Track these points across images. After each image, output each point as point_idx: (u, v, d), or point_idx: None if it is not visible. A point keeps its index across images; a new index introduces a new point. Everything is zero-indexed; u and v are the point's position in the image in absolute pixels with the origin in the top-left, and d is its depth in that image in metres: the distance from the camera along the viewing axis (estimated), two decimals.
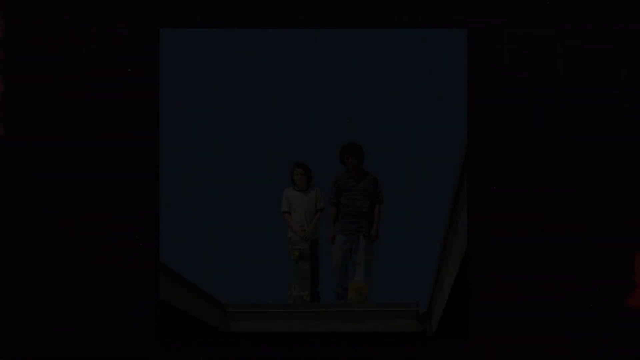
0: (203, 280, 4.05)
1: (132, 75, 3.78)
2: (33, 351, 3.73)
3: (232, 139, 4.13)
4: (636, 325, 3.69)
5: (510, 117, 3.75)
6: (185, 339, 3.78)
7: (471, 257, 3.71)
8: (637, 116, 3.73)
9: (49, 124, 3.77)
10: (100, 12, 3.78)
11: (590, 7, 3.75)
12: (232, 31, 3.85)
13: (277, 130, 4.15)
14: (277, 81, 4.11)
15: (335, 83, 4.09)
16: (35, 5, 3.78)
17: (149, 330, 3.74)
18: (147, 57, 3.78)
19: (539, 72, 3.75)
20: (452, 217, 3.98)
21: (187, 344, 3.77)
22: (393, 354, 3.78)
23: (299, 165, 4.55)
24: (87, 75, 3.78)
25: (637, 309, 3.69)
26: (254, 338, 3.85)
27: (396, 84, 4.07)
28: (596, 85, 3.74)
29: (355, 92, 4.10)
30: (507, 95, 3.75)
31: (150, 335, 3.74)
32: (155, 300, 3.74)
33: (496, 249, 3.72)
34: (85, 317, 3.73)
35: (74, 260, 3.73)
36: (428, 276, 4.26)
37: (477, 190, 3.74)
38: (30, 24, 3.78)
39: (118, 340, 3.73)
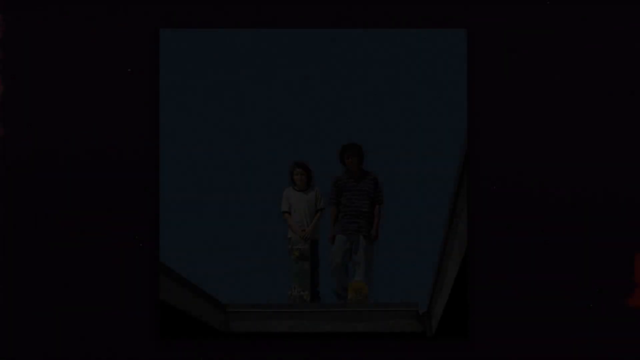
0: (203, 280, 4.05)
1: (132, 75, 3.78)
2: (33, 351, 3.73)
3: (232, 139, 4.14)
4: (636, 325, 3.69)
5: (510, 117, 3.75)
6: (185, 339, 3.78)
7: (471, 257, 3.71)
8: (638, 116, 3.73)
9: (49, 124, 3.77)
10: (100, 12, 3.78)
11: (590, 7, 3.75)
12: (232, 31, 3.85)
13: (277, 130, 4.16)
14: (277, 81, 4.11)
15: (335, 83, 4.10)
16: (35, 5, 3.78)
17: (149, 330, 3.74)
18: (147, 57, 3.78)
19: (539, 72, 3.75)
20: (452, 217, 3.98)
21: (187, 344, 3.77)
22: (393, 354, 3.78)
23: (299, 165, 4.55)
24: (87, 75, 3.78)
25: (637, 309, 3.69)
26: (254, 338, 3.84)
27: (396, 84, 4.08)
28: (596, 85, 3.74)
29: (355, 92, 4.10)
30: (507, 95, 3.75)
31: (150, 335, 3.74)
32: (155, 300, 3.74)
33: (496, 249, 3.72)
34: (85, 317, 3.73)
35: (74, 260, 3.73)
36: (428, 276, 4.26)
37: (477, 190, 3.74)
38: (30, 24, 3.78)
39: (118, 340, 3.73)
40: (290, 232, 4.62)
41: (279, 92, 4.12)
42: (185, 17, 3.80)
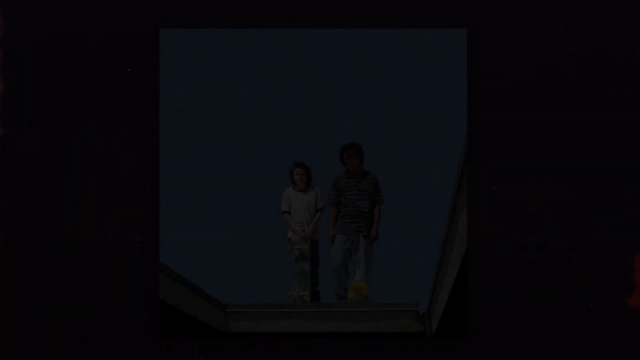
0: (203, 280, 4.05)
1: (132, 75, 3.78)
2: (33, 351, 3.73)
3: (232, 139, 4.14)
4: (636, 325, 3.69)
5: (510, 117, 3.75)
6: (185, 339, 3.78)
7: (471, 257, 3.71)
8: (638, 116, 3.73)
9: (49, 124, 3.77)
10: (100, 12, 3.78)
11: (590, 7, 3.75)
12: (232, 31, 3.85)
13: (277, 130, 4.16)
14: (277, 81, 4.11)
15: (335, 83, 4.10)
16: (35, 5, 3.78)
17: (149, 330, 3.74)
18: (147, 57, 3.78)
19: (539, 72, 3.75)
20: (452, 217, 3.98)
21: (187, 344, 3.77)
22: (393, 354, 3.78)
23: (299, 165, 4.55)
24: (87, 75, 3.78)
25: (637, 309, 3.69)
26: (254, 338, 3.84)
27: (396, 84, 4.07)
28: (596, 85, 3.74)
29: (355, 92, 4.10)
30: (507, 95, 3.75)
31: (150, 335, 3.74)
32: (155, 300, 3.74)
33: (496, 248, 3.72)
34: (85, 317, 3.73)
35: (74, 260, 3.73)
36: (428, 276, 4.26)
37: (477, 190, 3.74)
38: (30, 24, 3.78)
39: (118, 340, 3.73)
40: (290, 232, 4.62)
41: (279, 92, 4.11)
42: (185, 17, 3.80)
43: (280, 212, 4.59)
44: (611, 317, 3.69)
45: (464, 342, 3.73)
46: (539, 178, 3.73)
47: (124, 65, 3.78)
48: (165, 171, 3.80)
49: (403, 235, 4.21)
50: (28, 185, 3.75)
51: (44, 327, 3.73)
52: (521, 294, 3.71)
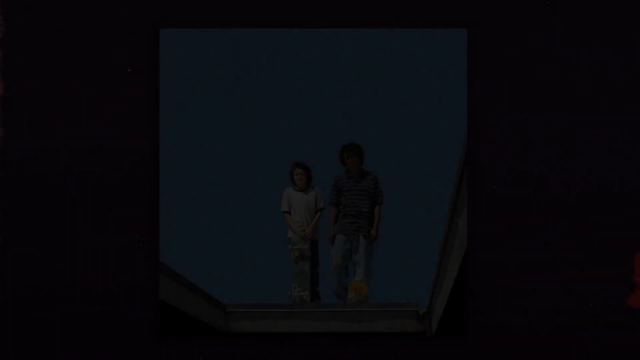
0: (203, 280, 4.05)
1: (132, 75, 3.78)
2: (33, 351, 3.73)
3: (232, 139, 4.14)
4: (636, 325, 3.69)
5: (510, 117, 3.75)
6: (185, 339, 3.78)
7: (471, 257, 3.71)
8: (638, 116, 3.73)
9: (49, 124, 3.77)
10: (101, 12, 3.78)
11: (590, 7, 3.75)
12: (232, 31, 3.85)
13: (277, 130, 4.16)
14: (277, 81, 4.11)
15: (335, 83, 4.10)
16: (35, 5, 3.78)
17: (149, 330, 3.74)
18: (147, 57, 3.78)
19: (538, 72, 3.75)
20: (452, 217, 3.98)
21: (187, 344, 3.77)
22: (393, 354, 3.78)
23: (299, 165, 4.55)
24: (87, 75, 3.78)
25: (637, 309, 3.69)
26: (254, 338, 3.84)
27: (396, 84, 4.07)
28: (596, 85, 3.74)
29: (356, 92, 4.10)
30: (507, 95, 3.75)
31: (150, 335, 3.74)
32: (155, 300, 3.74)
33: (496, 248, 3.72)
34: (86, 317, 3.73)
35: (74, 260, 3.73)
36: (428, 276, 4.26)
37: (477, 190, 3.74)
38: (30, 24, 3.78)
39: (118, 340, 3.73)
40: (290, 232, 4.62)
41: (279, 92, 4.12)
42: (185, 17, 3.80)
43: (280, 212, 4.59)
44: (611, 317, 3.69)
45: (464, 342, 3.73)
46: (539, 178, 3.73)
47: (124, 65, 3.78)
48: (165, 171, 3.80)
49: (403, 235, 4.21)
50: (28, 186, 3.75)
51: (44, 327, 3.73)
52: (521, 294, 3.71)
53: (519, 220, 3.72)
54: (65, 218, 3.74)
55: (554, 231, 3.71)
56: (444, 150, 4.00)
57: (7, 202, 3.74)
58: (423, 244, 4.14)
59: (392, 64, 4.04)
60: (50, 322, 3.73)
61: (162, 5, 3.79)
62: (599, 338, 3.69)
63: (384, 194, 4.53)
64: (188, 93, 4.02)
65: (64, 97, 3.77)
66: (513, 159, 3.74)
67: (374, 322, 4.09)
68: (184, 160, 4.01)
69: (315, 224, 4.62)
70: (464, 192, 3.79)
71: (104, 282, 3.73)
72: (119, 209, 3.75)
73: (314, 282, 4.61)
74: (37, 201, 3.74)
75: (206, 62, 4.04)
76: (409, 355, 3.77)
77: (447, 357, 3.75)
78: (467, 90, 3.76)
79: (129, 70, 3.78)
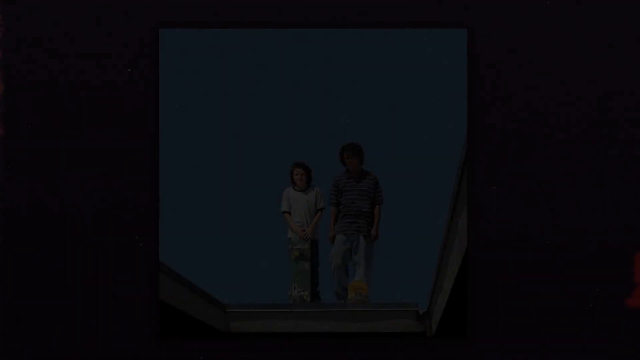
0: (203, 280, 4.05)
1: (132, 75, 3.78)
2: (33, 351, 3.73)
3: (232, 139, 4.14)
4: (636, 325, 3.69)
5: (510, 117, 3.75)
6: (185, 339, 3.78)
7: (471, 257, 3.71)
8: (638, 116, 3.73)
9: (49, 124, 3.77)
10: (101, 12, 3.78)
11: (590, 7, 3.74)
12: (232, 31, 3.85)
13: (277, 130, 4.16)
14: (277, 81, 4.11)
15: (335, 83, 4.10)
16: (35, 5, 3.78)
17: (149, 330, 3.74)
18: (147, 57, 3.78)
19: (538, 72, 3.75)
20: (452, 217, 3.98)
21: (187, 344, 3.77)
22: (393, 354, 3.77)
23: (299, 165, 4.55)
24: (87, 75, 3.78)
25: (637, 309, 3.69)
26: (254, 338, 3.84)
27: (396, 84, 4.07)
28: (596, 85, 3.74)
29: (356, 92, 4.10)
30: (507, 95, 3.75)
31: (150, 335, 3.74)
32: (155, 300, 3.74)
33: (496, 248, 3.72)
34: (86, 317, 3.73)
35: (74, 260, 3.73)
36: (428, 276, 4.26)
37: (477, 190, 3.74)
38: (30, 24, 3.78)
39: (118, 340, 3.73)
40: (290, 232, 4.62)
41: (279, 92, 4.11)
42: (185, 17, 3.80)
43: (280, 212, 4.59)
44: (611, 317, 3.69)
45: (463, 342, 3.73)
46: (539, 178, 3.73)
47: (124, 65, 3.78)
48: (165, 171, 3.80)
49: (403, 235, 4.21)
50: (28, 186, 3.75)
51: (44, 327, 3.73)
52: (521, 294, 3.71)
53: (519, 220, 3.72)
54: (65, 218, 3.73)
55: (554, 231, 3.71)
56: (444, 150, 4.00)
57: (7, 202, 3.74)
58: (423, 244, 4.14)
59: (392, 64, 4.04)
60: (50, 322, 3.73)
61: (162, 5, 3.79)
62: (599, 338, 3.69)
63: (384, 194, 4.53)
64: (188, 93, 4.02)
65: (64, 97, 3.77)
66: (513, 159, 3.74)
67: (374, 322, 4.09)
68: (184, 160, 4.01)
69: (315, 224, 4.62)
70: (464, 192, 3.79)
71: (104, 282, 3.73)
72: (119, 209, 3.75)
73: (314, 282, 4.61)
74: (37, 201, 3.74)
75: (206, 62, 4.04)
76: (409, 355, 3.77)
77: (447, 357, 3.75)
78: (467, 90, 3.76)
79: (129, 70, 3.78)
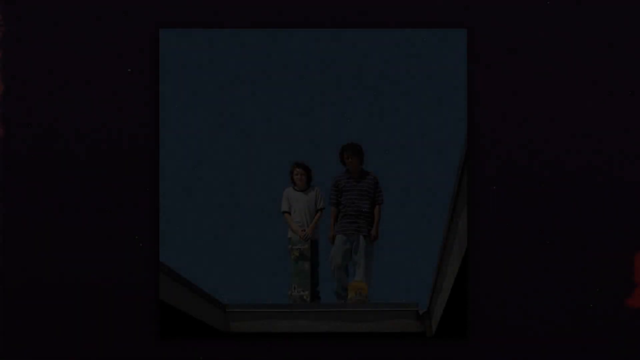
0: (203, 280, 4.05)
1: (132, 75, 3.78)
2: (33, 351, 3.73)
3: (232, 139, 4.13)
4: (636, 325, 3.69)
5: (510, 116, 3.75)
6: (185, 339, 3.78)
7: (471, 256, 3.71)
8: (638, 116, 3.73)
9: (49, 124, 3.77)
10: (101, 12, 3.78)
11: (590, 7, 3.75)
12: (232, 31, 3.85)
13: (277, 130, 4.15)
14: (277, 81, 4.10)
15: (335, 83, 4.09)
16: (35, 5, 3.78)
17: (149, 330, 3.74)
18: (147, 57, 3.78)
19: (539, 72, 3.75)
20: (452, 217, 3.98)
21: (187, 344, 3.77)
22: (393, 354, 3.77)
23: (299, 165, 4.55)
24: (87, 75, 3.78)
25: (637, 308, 3.69)
26: (254, 338, 3.84)
27: (396, 84, 4.07)
28: (596, 85, 3.74)
29: (356, 92, 4.10)
30: (507, 95, 3.75)
31: (150, 335, 3.74)
32: (155, 300, 3.74)
33: (496, 249, 3.72)
34: (86, 317, 3.73)
35: (74, 260, 3.73)
36: (428, 276, 4.26)
37: (477, 190, 3.74)
38: (30, 24, 3.78)
39: (118, 340, 3.73)
40: (290, 232, 4.62)
41: (279, 92, 4.11)
42: (185, 17, 3.80)
43: (280, 212, 4.59)
44: (611, 317, 3.69)
45: (463, 342, 3.73)
46: (539, 178, 3.73)
47: (124, 65, 3.78)
48: (165, 171, 3.80)
49: (403, 235, 4.21)
50: (28, 186, 3.75)
51: (44, 326, 3.73)
52: (521, 294, 3.71)
53: (519, 220, 3.72)
54: (65, 218, 3.74)
55: (554, 231, 3.71)
56: (444, 150, 4.00)
57: (7, 202, 3.74)
58: (423, 244, 4.13)
59: (392, 64, 4.04)
60: (50, 322, 3.73)
61: (162, 5, 3.79)
62: (599, 338, 3.69)
63: (384, 194, 4.53)
64: (188, 93, 4.01)
65: (64, 97, 3.77)
66: (513, 159, 3.74)
67: (374, 322, 4.09)
68: (184, 160, 4.01)
69: (315, 224, 4.61)
70: (464, 192, 3.79)
71: (104, 282, 3.73)
72: (119, 209, 3.75)
73: (314, 282, 4.60)
74: (37, 201, 3.74)
75: (206, 62, 4.04)
76: (409, 355, 3.77)
77: (447, 357, 3.75)
78: (467, 90, 3.76)
79: (129, 70, 3.78)
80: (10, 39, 3.78)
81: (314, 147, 4.27)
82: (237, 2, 3.79)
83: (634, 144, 3.72)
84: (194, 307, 3.99)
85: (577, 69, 3.75)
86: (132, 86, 3.78)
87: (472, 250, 3.72)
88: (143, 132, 3.78)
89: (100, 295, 3.73)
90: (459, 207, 3.87)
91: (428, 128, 4.07)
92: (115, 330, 3.73)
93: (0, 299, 3.74)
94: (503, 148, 3.75)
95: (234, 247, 4.11)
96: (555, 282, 3.71)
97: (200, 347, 3.78)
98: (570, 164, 3.73)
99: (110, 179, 3.76)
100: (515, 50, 3.76)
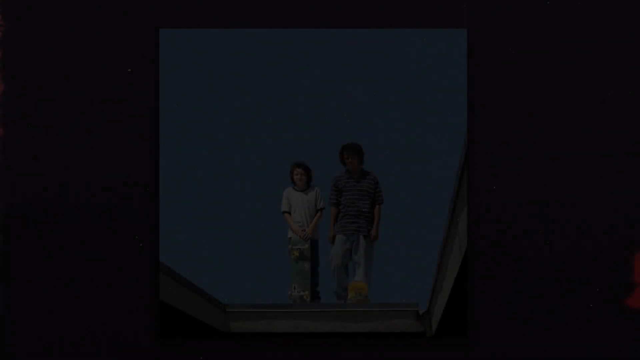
0: (203, 280, 4.05)
1: (132, 75, 3.78)
2: (33, 351, 3.73)
3: (232, 139, 4.13)
4: (636, 325, 3.69)
5: (510, 117, 3.75)
6: (185, 339, 3.78)
7: (471, 256, 3.71)
8: (638, 116, 3.73)
9: (49, 124, 3.77)
10: (101, 12, 3.78)
11: (590, 7, 3.75)
12: (232, 31, 3.84)
13: (277, 130, 4.15)
14: (277, 81, 4.10)
15: (335, 83, 4.09)
16: (35, 5, 3.78)
17: (149, 330, 3.74)
18: (147, 57, 3.78)
19: (539, 72, 3.75)
20: (452, 217, 3.98)
21: (187, 344, 3.77)
22: (393, 354, 3.77)
23: (299, 165, 4.55)
24: (87, 75, 3.78)
25: (637, 308, 3.69)
26: (254, 338, 3.84)
27: (396, 84, 4.07)
28: (596, 85, 3.74)
29: (356, 92, 4.10)
30: (506, 95, 3.75)
31: (150, 335, 3.74)
32: (155, 300, 3.74)
33: (496, 248, 3.72)
34: (85, 317, 3.73)
35: (74, 260, 3.73)
36: (428, 276, 4.26)
37: (477, 190, 3.74)
38: (30, 24, 3.78)
39: (118, 340, 3.73)
40: (290, 232, 4.61)
41: (279, 92, 4.11)
42: (185, 17, 3.80)
43: (280, 212, 4.59)
44: (611, 317, 3.69)
45: (463, 342, 3.73)
46: (539, 178, 3.73)
47: (124, 65, 3.78)
48: (165, 171, 3.80)
49: (403, 235, 4.21)
50: (28, 186, 3.75)
51: (43, 327, 3.73)
52: (521, 294, 3.71)
53: (519, 220, 3.72)
54: (65, 218, 3.74)
55: (554, 231, 3.71)
56: (444, 150, 4.00)
57: (7, 202, 3.74)
58: (423, 244, 4.13)
59: (392, 64, 4.04)
60: (50, 322, 3.73)
61: (162, 5, 3.79)
62: (599, 338, 3.69)
63: (384, 194, 4.53)
64: (188, 93, 4.01)
65: (64, 97, 3.77)
66: (513, 159, 3.74)
67: (374, 322, 4.09)
68: (184, 161, 4.01)
69: (315, 224, 4.61)
70: (464, 192, 3.79)
71: (104, 282, 3.73)
72: (119, 209, 3.75)
73: (314, 282, 4.60)
74: (37, 201, 3.74)
75: (206, 62, 4.04)
76: (409, 355, 3.77)
77: (447, 357, 3.75)
78: (467, 91, 3.76)
79: (129, 70, 3.78)
80: (10, 39, 3.78)
81: (314, 147, 4.27)
82: (237, 2, 3.79)
83: (634, 144, 3.72)
84: (194, 307, 3.99)
85: (578, 69, 3.75)
86: (132, 86, 3.78)
87: (472, 250, 3.72)
88: (143, 132, 3.77)
89: (100, 295, 3.73)
90: (459, 207, 3.87)
91: (428, 128, 4.07)
92: (115, 330, 3.73)
93: (0, 298, 3.74)
94: (503, 148, 3.75)
95: (234, 247, 4.11)
96: (555, 282, 3.71)
97: (200, 347, 3.78)
98: (570, 163, 3.73)
99: (110, 179, 3.76)
100: (515, 50, 3.76)
